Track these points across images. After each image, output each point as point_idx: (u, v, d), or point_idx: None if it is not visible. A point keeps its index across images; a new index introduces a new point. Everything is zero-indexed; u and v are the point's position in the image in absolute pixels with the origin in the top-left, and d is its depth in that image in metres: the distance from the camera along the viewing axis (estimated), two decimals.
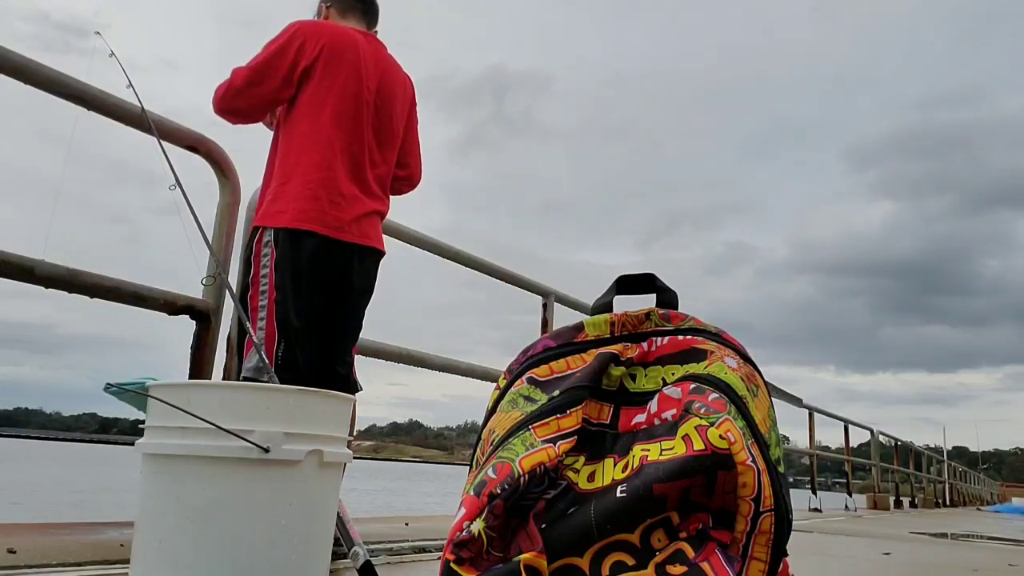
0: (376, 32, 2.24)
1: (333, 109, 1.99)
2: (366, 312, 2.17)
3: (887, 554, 3.49)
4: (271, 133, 2.14)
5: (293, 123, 1.99)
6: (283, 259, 1.91)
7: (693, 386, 0.81)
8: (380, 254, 2.13)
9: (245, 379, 1.85)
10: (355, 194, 2.02)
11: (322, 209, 1.93)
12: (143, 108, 1.98)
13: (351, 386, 2.11)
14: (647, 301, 0.97)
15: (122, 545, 1.85)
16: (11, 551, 1.66)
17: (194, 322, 2.22)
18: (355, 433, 2.10)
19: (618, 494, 0.74)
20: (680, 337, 0.88)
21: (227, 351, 2.22)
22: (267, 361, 1.75)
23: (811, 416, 8.89)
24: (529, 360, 0.91)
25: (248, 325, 1.79)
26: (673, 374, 0.85)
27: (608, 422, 0.84)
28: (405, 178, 2.27)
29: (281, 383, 1.76)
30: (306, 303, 1.92)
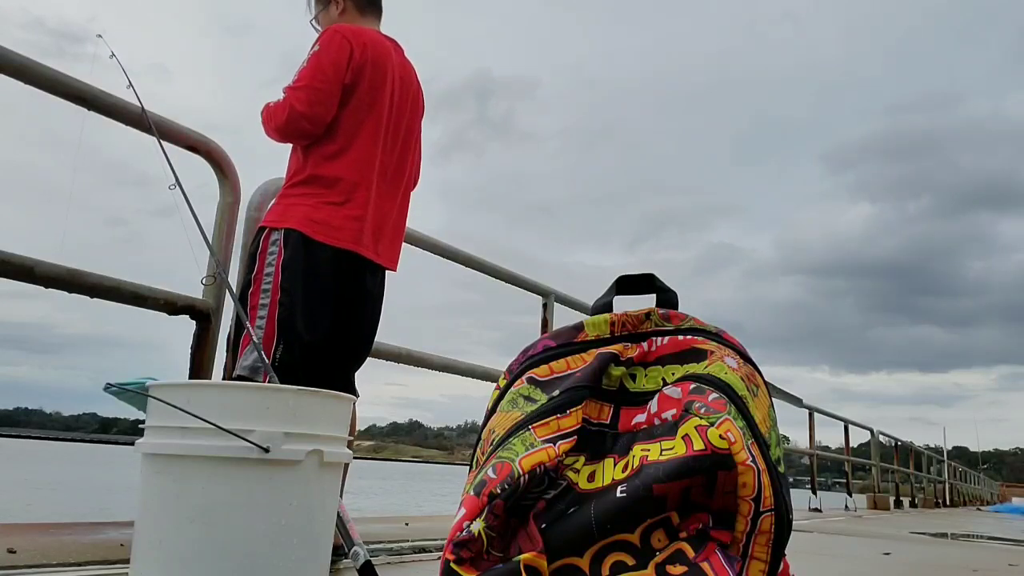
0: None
1: (373, 125, 1.99)
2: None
3: (887, 554, 3.49)
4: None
5: (331, 135, 1.96)
6: (293, 261, 1.89)
7: (693, 386, 0.81)
8: (385, 272, 2.14)
9: (239, 377, 1.83)
10: (389, 211, 2.05)
11: (359, 230, 1.94)
12: (143, 108, 1.98)
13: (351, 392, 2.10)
14: (647, 301, 0.97)
15: (122, 545, 1.85)
16: (11, 551, 1.66)
17: (194, 322, 2.22)
18: (355, 434, 2.10)
19: (618, 494, 0.74)
20: (680, 337, 0.88)
21: (227, 351, 2.22)
22: (266, 360, 1.73)
23: (811, 416, 8.89)
24: (529, 360, 0.91)
25: (248, 325, 1.78)
26: (673, 374, 0.85)
27: (608, 422, 0.83)
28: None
29: None
30: (313, 309, 1.90)
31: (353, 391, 2.11)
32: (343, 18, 2.13)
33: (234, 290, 1.95)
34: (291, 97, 1.90)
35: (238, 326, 1.93)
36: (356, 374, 2.16)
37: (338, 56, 1.93)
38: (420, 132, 2.27)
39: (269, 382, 1.71)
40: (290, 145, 2.04)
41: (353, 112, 1.97)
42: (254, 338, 1.74)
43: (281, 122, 1.91)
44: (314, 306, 1.90)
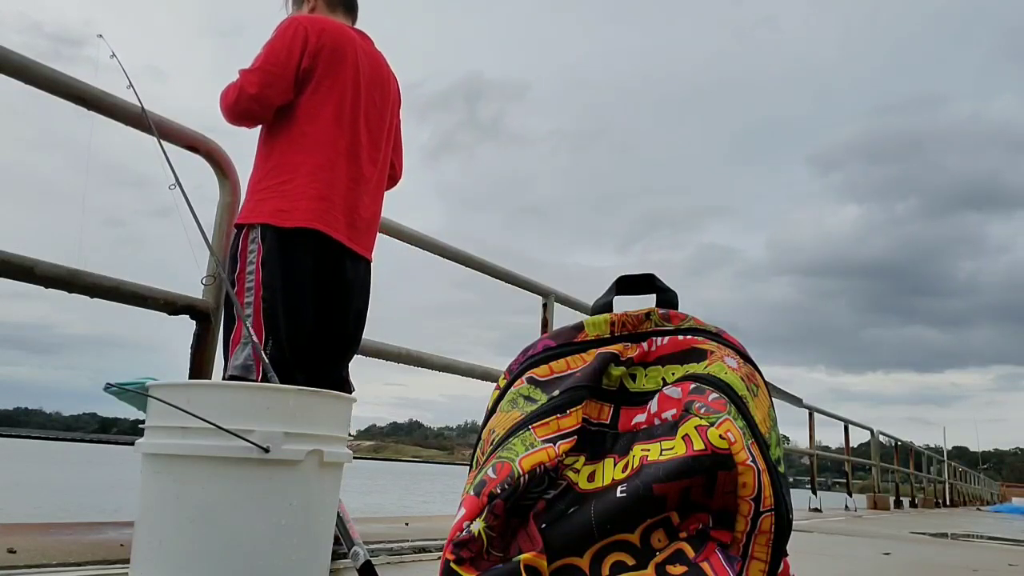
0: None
1: (334, 109, 1.97)
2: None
3: (887, 554, 3.49)
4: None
5: (291, 122, 1.95)
6: (271, 257, 1.87)
7: (693, 386, 0.81)
8: (369, 262, 2.12)
9: (231, 377, 1.82)
10: (359, 196, 2.01)
11: (326, 210, 1.92)
12: (143, 108, 1.98)
13: (346, 389, 2.09)
14: (647, 301, 0.97)
15: (122, 545, 1.85)
16: (11, 551, 1.66)
17: (194, 322, 2.22)
18: (354, 433, 2.10)
19: (618, 494, 0.74)
20: (680, 337, 0.88)
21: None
22: (264, 357, 1.72)
23: (811, 416, 8.89)
24: (529, 360, 0.91)
25: (247, 324, 1.78)
26: (673, 374, 0.85)
27: (608, 422, 0.83)
28: (390, 176, 2.26)
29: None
30: (294, 303, 1.89)
31: (347, 386, 2.10)
32: (313, 15, 2.13)
33: (232, 290, 1.94)
34: (243, 79, 1.92)
35: (228, 326, 1.91)
36: (354, 374, 2.15)
37: (292, 41, 1.94)
38: (398, 123, 2.25)
39: (264, 379, 1.70)
40: None
41: (311, 96, 1.96)
42: (253, 337, 1.74)
43: (231, 102, 1.92)
44: (295, 300, 1.89)
